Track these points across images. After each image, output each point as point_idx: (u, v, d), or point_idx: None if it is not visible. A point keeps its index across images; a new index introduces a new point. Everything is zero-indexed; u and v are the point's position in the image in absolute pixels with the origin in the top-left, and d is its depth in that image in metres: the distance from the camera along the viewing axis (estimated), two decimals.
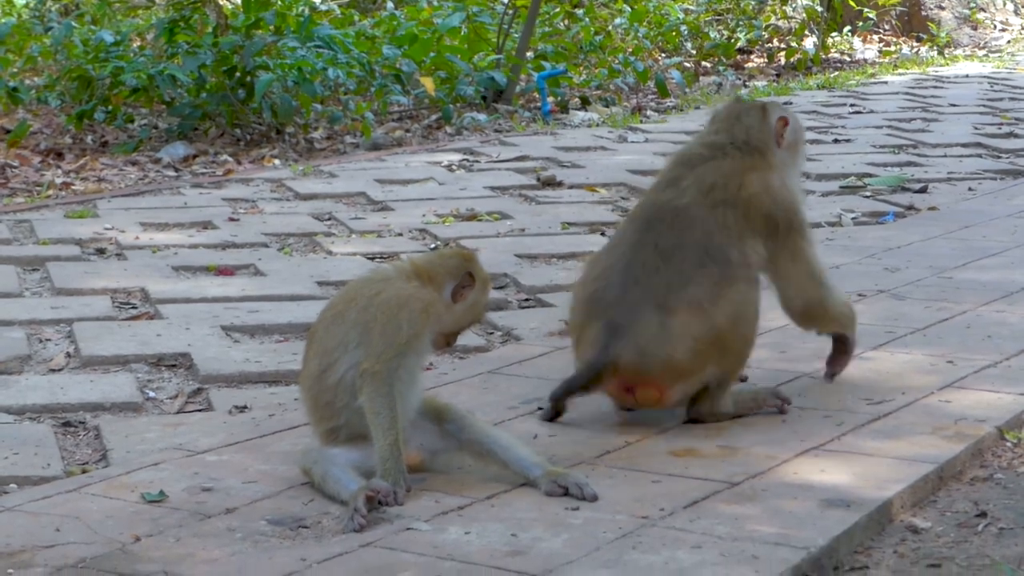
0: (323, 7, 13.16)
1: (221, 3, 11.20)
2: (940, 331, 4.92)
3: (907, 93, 12.24)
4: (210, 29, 10.18)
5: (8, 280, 5.81)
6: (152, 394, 4.50)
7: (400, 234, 6.80)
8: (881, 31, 16.84)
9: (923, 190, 7.75)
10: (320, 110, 10.05)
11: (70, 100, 10.29)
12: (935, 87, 12.72)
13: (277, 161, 8.95)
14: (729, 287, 3.96)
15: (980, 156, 8.97)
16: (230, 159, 8.99)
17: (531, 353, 4.75)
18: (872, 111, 11.04)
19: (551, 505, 3.44)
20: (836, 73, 13.98)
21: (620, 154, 9.07)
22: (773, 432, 3.95)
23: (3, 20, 12.85)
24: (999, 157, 8.93)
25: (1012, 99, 11.75)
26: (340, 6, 13.77)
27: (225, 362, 4.73)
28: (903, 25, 16.83)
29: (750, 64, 14.71)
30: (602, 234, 6.68)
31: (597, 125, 10.43)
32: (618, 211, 7.24)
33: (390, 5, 13.89)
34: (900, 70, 14.29)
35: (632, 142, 9.56)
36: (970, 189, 7.81)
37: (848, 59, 15.44)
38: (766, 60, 14.76)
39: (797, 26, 15.29)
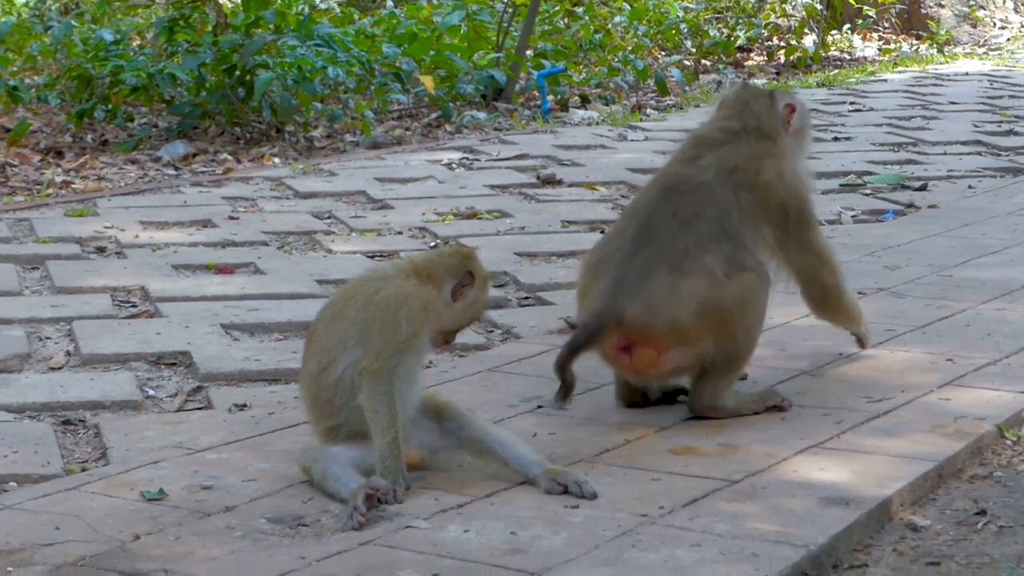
0: (323, 6, 13.17)
1: (221, 2, 11.20)
2: (940, 329, 4.92)
3: (907, 91, 12.24)
4: (210, 28, 10.18)
5: (8, 278, 5.82)
6: (152, 392, 4.50)
7: (400, 232, 6.80)
8: (881, 29, 16.83)
9: (923, 188, 7.75)
10: (320, 109, 10.05)
11: (70, 99, 10.29)
12: (935, 85, 12.72)
13: (277, 160, 8.95)
14: (741, 271, 3.99)
15: (980, 154, 8.97)
16: (230, 158, 8.99)
17: (531, 351, 4.75)
18: (872, 109, 11.04)
19: (550, 503, 3.44)
20: (836, 71, 13.98)
21: (620, 152, 9.07)
22: (773, 430, 3.95)
23: (3, 19, 12.85)
24: (999, 155, 8.93)
25: (1012, 97, 11.75)
26: (340, 5, 13.78)
27: (225, 360, 4.73)
28: (903, 23, 16.83)
29: (750, 62, 14.71)
30: (602, 232, 6.68)
31: (597, 123, 10.43)
32: (618, 209, 7.24)
33: (390, 3, 13.89)
34: (900, 68, 14.29)
35: (632, 140, 9.56)
36: (970, 187, 7.81)
37: (848, 57, 15.44)
38: (766, 58, 14.75)
39: (797, 24, 15.29)
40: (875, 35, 16.69)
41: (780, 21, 15.34)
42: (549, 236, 6.69)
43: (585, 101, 11.45)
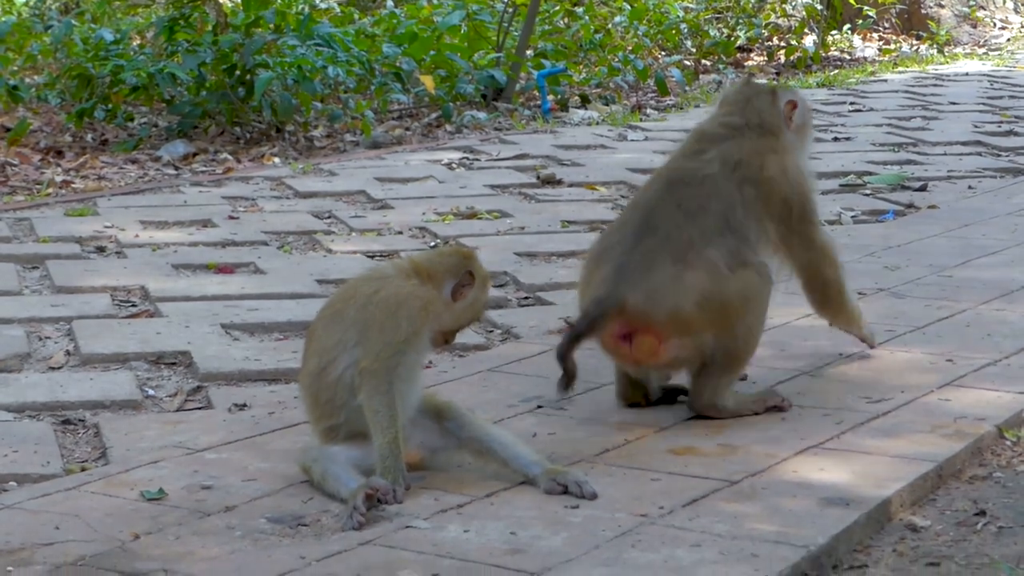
0: (323, 5, 13.16)
1: (221, 1, 11.20)
2: (940, 329, 4.92)
3: (907, 91, 12.24)
4: (210, 27, 10.18)
5: (8, 278, 5.82)
6: (152, 392, 4.50)
7: (400, 232, 6.80)
8: (881, 29, 16.84)
9: (923, 188, 7.75)
10: (320, 108, 10.05)
11: (70, 98, 10.29)
12: (935, 85, 12.72)
13: (277, 159, 8.94)
14: (744, 267, 4.00)
15: (980, 154, 8.96)
16: (230, 157, 8.99)
17: (530, 351, 4.75)
18: (872, 109, 11.04)
19: (550, 503, 3.44)
20: (836, 71, 13.98)
21: (620, 152, 9.07)
22: (772, 430, 3.95)
23: (3, 18, 12.85)
24: (999, 155, 8.93)
25: (1012, 97, 11.75)
26: (340, 4, 13.77)
27: (225, 360, 4.73)
28: (903, 23, 16.83)
29: (750, 62, 14.71)
30: (602, 232, 6.68)
31: (597, 123, 10.43)
32: (618, 209, 7.24)
33: (390, 3, 13.89)
34: (900, 68, 14.29)
35: (632, 140, 9.56)
36: (970, 187, 7.81)
37: (848, 57, 15.44)
38: (766, 58, 14.75)
39: (797, 24, 15.29)
40: (875, 35, 16.70)
41: (780, 21, 15.34)
42: (549, 236, 6.69)
43: (585, 101, 11.45)
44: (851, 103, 11.35)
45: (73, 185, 8.19)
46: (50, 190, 7.99)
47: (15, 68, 11.27)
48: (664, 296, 3.91)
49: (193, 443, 3.91)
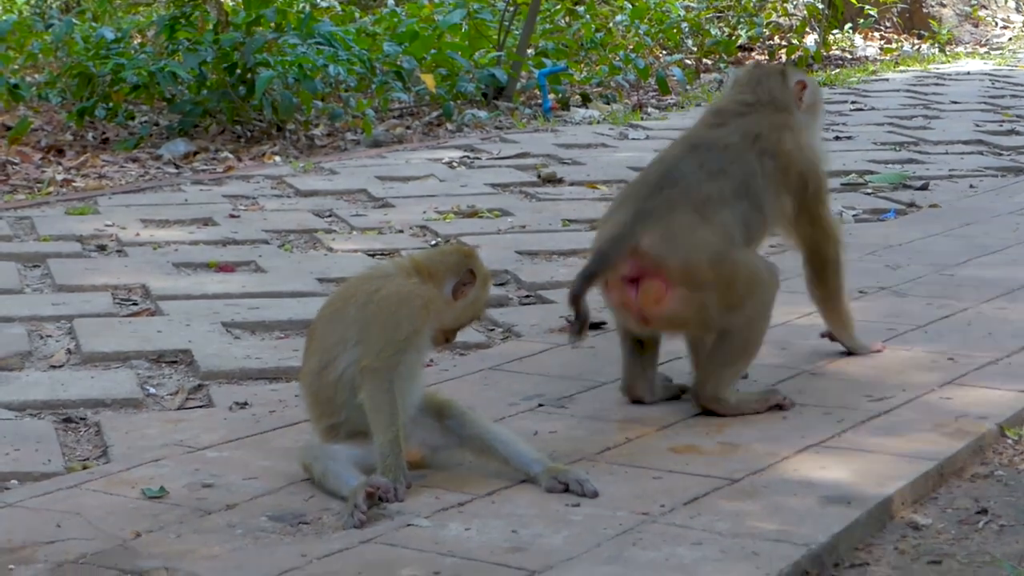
0: (324, 4, 13.16)
1: (222, 0, 11.20)
2: (941, 328, 4.92)
3: (908, 90, 12.24)
4: (211, 26, 10.18)
5: (9, 276, 5.82)
6: (153, 390, 4.50)
7: (401, 231, 6.80)
8: (882, 28, 16.83)
9: (924, 187, 7.74)
10: (321, 107, 10.05)
11: (71, 97, 10.29)
12: (936, 84, 12.72)
13: (278, 158, 8.94)
14: (752, 248, 4.06)
15: (981, 153, 8.97)
16: (231, 156, 8.99)
17: (532, 350, 4.75)
18: (873, 108, 11.04)
19: (552, 501, 3.43)
20: (837, 70, 13.98)
21: (621, 151, 9.07)
22: (773, 429, 3.95)
23: (4, 17, 12.86)
24: (1000, 154, 8.93)
25: (1013, 96, 11.75)
26: (341, 3, 13.77)
27: (226, 358, 4.73)
28: (904, 22, 16.83)
29: (751, 61, 14.71)
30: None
31: (598, 122, 10.43)
32: None
33: (391, 2, 13.89)
34: (901, 67, 14.29)
35: (633, 139, 9.56)
36: (971, 186, 7.81)
37: (849, 56, 15.44)
38: (767, 57, 14.74)
39: (798, 23, 15.29)
40: (877, 34, 16.70)
41: (781, 20, 15.34)
42: (550, 235, 6.69)
43: (586, 100, 11.45)
44: (852, 102, 11.35)
45: (74, 184, 8.19)
46: (51, 189, 7.99)
47: (16, 67, 11.27)
48: (678, 242, 3.94)
49: (194, 441, 3.91)
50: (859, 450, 3.77)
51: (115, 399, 4.36)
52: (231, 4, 11.15)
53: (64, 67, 10.64)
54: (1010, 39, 16.94)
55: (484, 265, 3.72)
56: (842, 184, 7.87)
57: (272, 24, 9.81)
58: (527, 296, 5.65)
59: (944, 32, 16.47)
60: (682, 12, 14.18)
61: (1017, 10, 17.75)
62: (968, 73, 13.66)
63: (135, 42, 11.42)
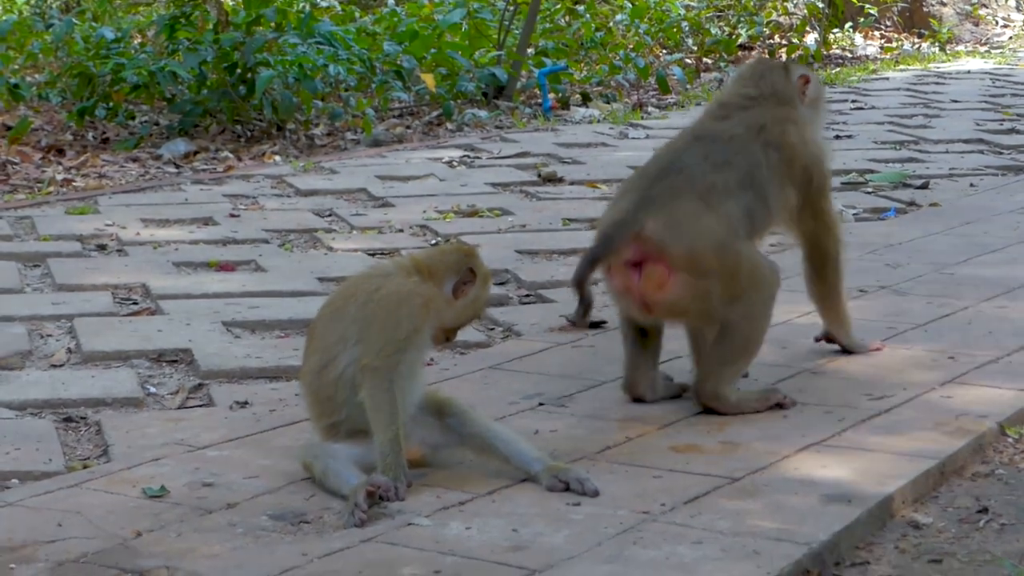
0: (324, 3, 13.15)
1: (222, 0, 11.20)
2: (941, 327, 4.92)
3: (908, 89, 12.24)
4: (211, 26, 10.17)
5: (9, 276, 5.82)
6: (153, 390, 4.50)
7: (401, 230, 6.80)
8: (882, 27, 16.83)
9: (924, 186, 7.74)
10: (321, 106, 10.05)
11: (71, 97, 10.28)
12: (936, 83, 12.72)
13: (278, 157, 8.94)
14: (754, 243, 4.06)
15: (982, 152, 8.96)
16: (231, 155, 8.99)
17: (532, 349, 4.75)
18: (873, 107, 11.04)
19: (552, 500, 3.43)
20: (837, 69, 13.97)
21: (621, 150, 9.07)
22: (774, 427, 3.95)
23: (4, 17, 12.85)
24: (1001, 153, 8.93)
25: (1014, 95, 11.74)
26: (341, 2, 13.77)
27: (226, 358, 4.73)
28: (904, 21, 16.82)
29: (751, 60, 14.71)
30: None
31: (598, 121, 10.43)
32: None
33: (391, 1, 13.89)
34: (901, 66, 14.29)
35: (633, 138, 9.56)
36: (972, 185, 7.81)
37: (849, 55, 15.44)
38: (767, 56, 14.74)
39: (798, 22, 15.29)
40: (877, 33, 16.69)
41: (782, 19, 15.34)
42: (550, 234, 6.69)
43: (586, 99, 11.45)
44: (853, 101, 11.35)
45: (74, 183, 8.19)
46: (51, 188, 7.99)
47: (16, 66, 11.27)
48: (682, 228, 3.94)
49: (194, 440, 3.91)
50: (860, 449, 3.77)
51: (115, 398, 4.36)
52: (231, 4, 11.15)
53: (64, 67, 10.64)
54: (1010, 38, 16.94)
55: (484, 264, 3.72)
56: (842, 183, 7.86)
57: (272, 24, 9.80)
58: (527, 295, 5.65)
59: (944, 31, 16.47)
60: (682, 11, 14.18)
61: (1017, 9, 17.74)
62: (968, 72, 13.66)
63: (135, 42, 11.41)
